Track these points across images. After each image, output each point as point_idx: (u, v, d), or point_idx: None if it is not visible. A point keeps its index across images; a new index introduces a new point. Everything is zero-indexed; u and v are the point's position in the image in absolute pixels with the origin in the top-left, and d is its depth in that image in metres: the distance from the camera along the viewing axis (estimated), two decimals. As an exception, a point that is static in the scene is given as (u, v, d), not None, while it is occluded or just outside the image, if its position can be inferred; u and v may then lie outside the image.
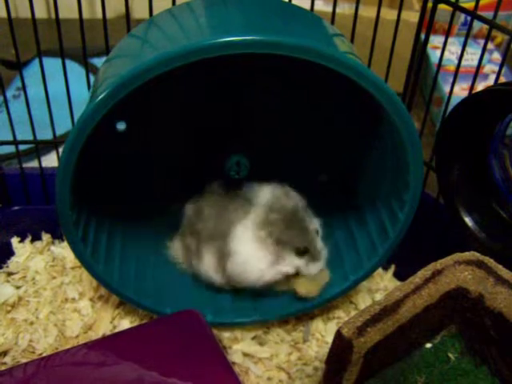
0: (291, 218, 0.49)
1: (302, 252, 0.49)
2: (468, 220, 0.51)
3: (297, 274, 0.50)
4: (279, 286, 0.51)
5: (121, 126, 0.52)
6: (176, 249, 0.55)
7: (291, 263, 0.49)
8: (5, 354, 0.50)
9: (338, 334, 0.39)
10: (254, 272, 0.49)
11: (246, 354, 0.52)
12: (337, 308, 0.56)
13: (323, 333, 0.54)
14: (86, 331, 0.53)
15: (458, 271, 0.40)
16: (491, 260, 0.40)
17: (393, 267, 0.61)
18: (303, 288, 0.51)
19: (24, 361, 0.49)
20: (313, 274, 0.50)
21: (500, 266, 0.40)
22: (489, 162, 0.50)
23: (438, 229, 0.57)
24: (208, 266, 0.51)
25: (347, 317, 0.55)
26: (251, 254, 0.49)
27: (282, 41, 0.38)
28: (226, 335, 0.53)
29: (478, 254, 0.41)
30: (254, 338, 0.53)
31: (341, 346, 0.39)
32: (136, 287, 0.51)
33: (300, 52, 0.38)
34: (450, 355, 0.41)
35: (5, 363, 0.49)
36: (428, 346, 0.42)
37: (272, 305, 0.53)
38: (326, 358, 0.42)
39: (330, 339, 0.52)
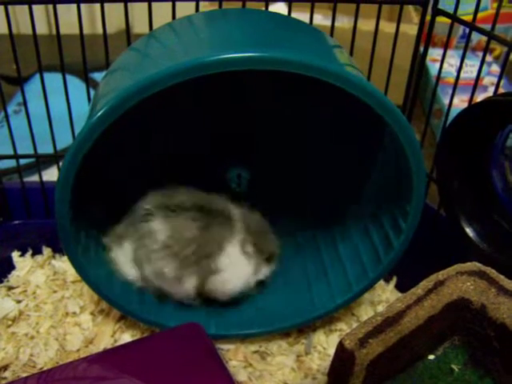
0: (262, 228, 0.52)
1: (270, 259, 0.52)
2: (469, 230, 0.51)
3: None
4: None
5: None
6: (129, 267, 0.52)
7: (265, 271, 0.52)
8: (5, 368, 0.50)
9: (340, 346, 0.39)
10: (237, 286, 0.51)
11: (247, 368, 0.51)
12: (339, 320, 0.56)
13: (325, 345, 0.54)
14: (87, 345, 0.52)
15: (460, 282, 0.40)
16: (493, 270, 0.40)
17: (394, 279, 0.60)
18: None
19: (24, 375, 0.48)
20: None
21: (502, 277, 0.40)
22: (489, 173, 0.50)
23: (440, 240, 0.57)
24: (188, 286, 0.51)
25: (349, 329, 0.54)
26: (238, 269, 0.51)
27: (282, 58, 0.38)
28: (227, 348, 0.53)
29: (479, 265, 0.41)
30: (256, 351, 0.53)
31: (343, 358, 0.39)
32: (136, 301, 0.51)
33: (301, 69, 0.39)
34: (454, 367, 0.41)
35: (5, 378, 0.49)
36: (431, 357, 0.41)
37: (274, 317, 0.53)
38: (328, 370, 0.42)
39: (331, 351, 0.52)
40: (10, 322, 0.54)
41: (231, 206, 0.52)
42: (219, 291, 0.51)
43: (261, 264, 0.51)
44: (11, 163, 0.64)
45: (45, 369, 0.50)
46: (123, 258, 0.51)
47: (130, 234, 0.51)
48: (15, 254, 0.60)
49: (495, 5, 1.02)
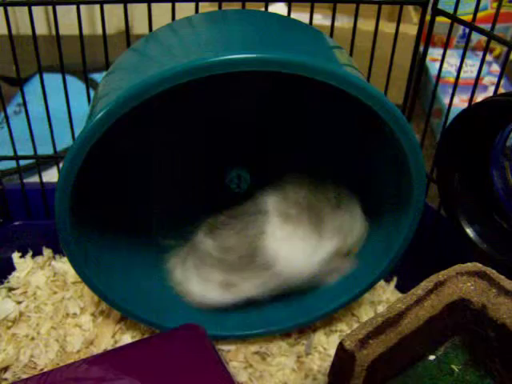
0: (308, 190, 0.49)
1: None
2: (469, 231, 0.51)
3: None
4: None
5: None
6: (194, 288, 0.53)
7: (335, 236, 0.49)
8: (6, 369, 0.50)
9: (341, 347, 0.39)
10: (303, 259, 0.49)
11: (248, 368, 0.51)
12: (339, 321, 0.56)
13: (325, 346, 0.54)
14: (88, 346, 0.52)
15: (461, 282, 0.40)
16: (493, 271, 0.40)
17: (395, 279, 0.60)
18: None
19: (25, 376, 0.48)
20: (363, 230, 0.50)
21: (502, 277, 0.40)
22: (489, 173, 0.50)
23: (440, 240, 0.57)
24: (255, 287, 0.50)
25: (349, 330, 0.54)
26: (293, 248, 0.48)
27: (282, 59, 0.38)
28: (227, 349, 0.53)
29: (480, 265, 0.41)
30: (256, 352, 0.53)
31: (343, 359, 0.39)
32: (137, 302, 0.51)
33: (301, 70, 0.39)
34: (454, 367, 0.41)
35: (6, 379, 0.49)
36: (431, 357, 0.41)
37: (274, 318, 0.53)
38: (329, 371, 0.42)
39: (332, 352, 0.52)
40: (10, 324, 0.54)
41: (263, 196, 0.50)
42: (290, 278, 0.49)
43: (324, 231, 0.49)
44: (11, 164, 0.64)
45: (45, 370, 0.50)
46: (187, 277, 0.52)
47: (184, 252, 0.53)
48: (15, 255, 0.60)
49: (495, 4, 1.02)
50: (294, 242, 0.49)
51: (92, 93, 0.50)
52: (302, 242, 0.49)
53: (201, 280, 0.52)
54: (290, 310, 0.53)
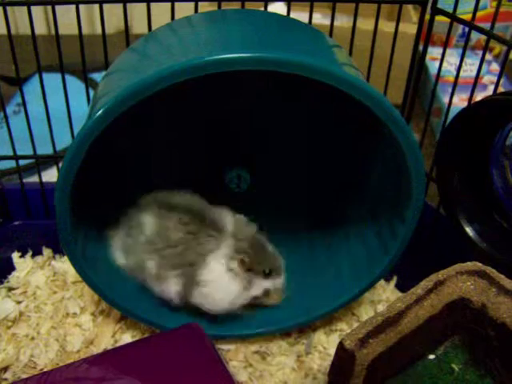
0: (256, 244, 0.50)
1: (269, 274, 0.51)
2: (469, 230, 0.51)
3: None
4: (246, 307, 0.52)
5: None
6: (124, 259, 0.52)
7: (260, 286, 0.51)
8: (6, 369, 0.50)
9: (341, 346, 0.39)
10: (223, 302, 0.50)
11: (248, 368, 0.51)
12: (339, 320, 0.56)
13: (325, 345, 0.54)
14: (88, 346, 0.52)
15: (460, 281, 0.40)
16: (493, 270, 0.40)
17: (395, 278, 0.60)
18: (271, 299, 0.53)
19: (25, 376, 0.48)
20: (280, 288, 0.52)
21: (502, 276, 0.40)
22: (489, 172, 0.50)
23: (440, 239, 0.57)
24: (171, 290, 0.50)
25: (349, 329, 0.54)
26: (222, 285, 0.49)
27: (281, 59, 0.38)
28: (228, 348, 0.53)
29: (479, 264, 0.41)
30: (256, 352, 0.53)
31: (343, 358, 0.39)
32: (137, 301, 0.51)
33: (300, 70, 0.39)
34: (454, 366, 0.41)
35: (6, 379, 0.49)
36: (431, 357, 0.41)
37: (274, 317, 0.53)
38: (329, 371, 0.42)
39: (332, 351, 0.52)
40: (10, 323, 0.54)
41: (228, 218, 0.51)
42: (203, 305, 0.50)
43: (254, 280, 0.50)
44: (11, 164, 0.64)
45: (45, 370, 0.50)
46: (115, 245, 0.52)
47: (124, 222, 0.52)
48: (15, 255, 0.60)
49: (494, 3, 1.02)
50: (229, 277, 0.49)
51: (91, 92, 0.50)
52: (236, 282, 0.50)
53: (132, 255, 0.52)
54: (290, 309, 0.53)
